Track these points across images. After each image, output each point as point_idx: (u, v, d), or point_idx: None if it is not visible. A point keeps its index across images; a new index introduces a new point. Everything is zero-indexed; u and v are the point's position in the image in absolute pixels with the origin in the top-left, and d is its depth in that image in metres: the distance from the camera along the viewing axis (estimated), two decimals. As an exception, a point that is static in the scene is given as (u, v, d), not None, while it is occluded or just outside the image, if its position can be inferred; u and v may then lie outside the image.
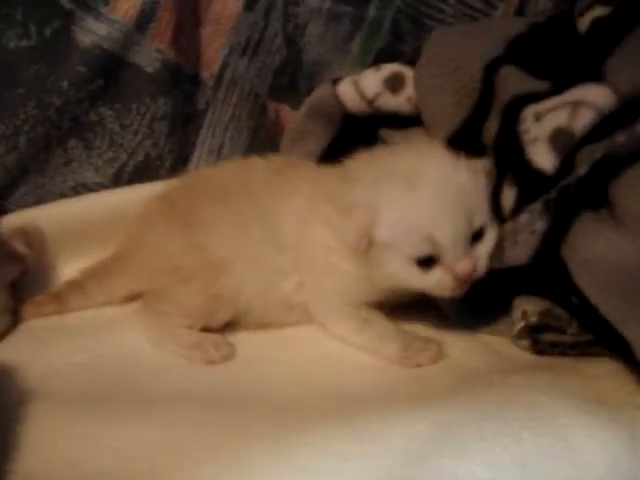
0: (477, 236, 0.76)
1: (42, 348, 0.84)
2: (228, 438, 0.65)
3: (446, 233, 0.73)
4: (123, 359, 0.82)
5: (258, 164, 0.91)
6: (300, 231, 0.84)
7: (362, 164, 0.82)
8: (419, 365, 0.79)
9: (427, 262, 0.75)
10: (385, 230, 0.74)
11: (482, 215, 0.76)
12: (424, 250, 0.74)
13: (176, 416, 0.70)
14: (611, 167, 0.72)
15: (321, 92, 1.04)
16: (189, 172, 1.01)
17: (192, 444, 0.65)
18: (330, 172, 0.88)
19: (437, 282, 0.75)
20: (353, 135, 1.01)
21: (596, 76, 0.79)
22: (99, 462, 0.64)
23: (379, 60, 1.08)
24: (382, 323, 0.82)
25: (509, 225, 0.77)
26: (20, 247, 0.94)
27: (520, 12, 1.11)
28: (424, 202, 0.74)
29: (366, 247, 0.75)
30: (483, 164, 0.79)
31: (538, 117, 0.78)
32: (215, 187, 0.89)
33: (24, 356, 0.82)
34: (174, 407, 0.71)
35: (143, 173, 1.05)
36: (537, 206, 0.74)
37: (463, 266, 0.73)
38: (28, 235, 0.96)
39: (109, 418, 0.70)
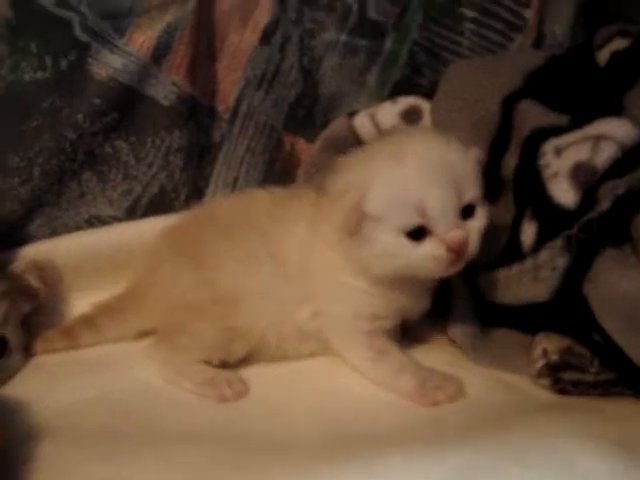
0: (468, 212, 0.75)
1: (53, 384, 0.84)
2: (239, 477, 0.65)
3: (435, 202, 0.73)
4: (135, 395, 0.81)
5: (259, 196, 0.91)
6: (307, 259, 0.83)
7: (347, 156, 0.82)
8: (436, 403, 0.77)
9: (418, 234, 0.74)
10: (375, 203, 0.74)
11: (472, 191, 0.75)
12: (414, 220, 0.73)
13: (188, 454, 0.69)
14: (634, 202, 0.72)
15: (337, 125, 1.04)
16: (193, 207, 1.00)
17: None
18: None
19: (429, 253, 0.74)
20: None
21: (616, 109, 0.79)
22: None
23: (395, 93, 1.08)
24: (398, 356, 0.81)
25: (529, 261, 0.77)
26: (34, 281, 0.93)
27: (538, 44, 1.12)
28: (412, 173, 0.74)
29: (357, 223, 0.75)
30: (473, 150, 0.78)
31: (558, 151, 0.78)
32: (219, 221, 0.89)
33: (35, 392, 0.82)
34: (186, 445, 0.71)
35: (158, 206, 1.04)
36: (558, 242, 0.74)
37: (454, 235, 0.73)
38: (42, 269, 0.95)
39: (119, 456, 0.69)
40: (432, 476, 0.60)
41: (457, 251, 0.73)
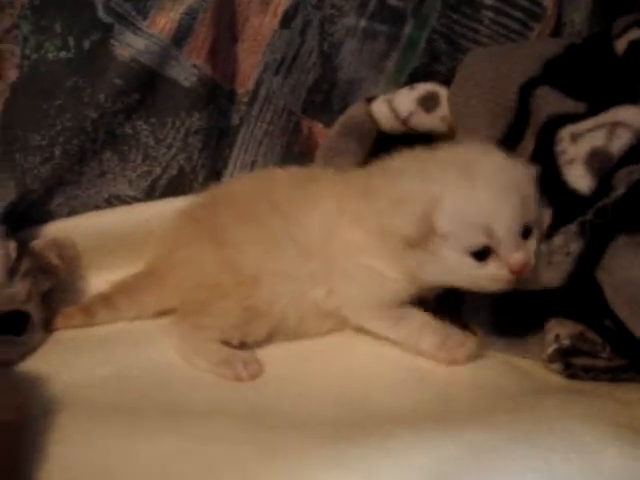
0: (526, 233, 0.76)
1: (71, 359, 0.85)
2: (254, 455, 0.65)
3: (502, 224, 0.73)
4: (151, 372, 0.82)
5: (278, 175, 0.92)
6: (327, 237, 0.84)
7: (406, 159, 0.83)
8: (454, 362, 0.79)
9: (481, 254, 0.75)
10: (445, 219, 0.74)
11: (533, 212, 0.76)
12: (481, 241, 0.74)
13: (203, 431, 0.69)
14: None
15: (355, 110, 1.04)
16: (211, 187, 1.00)
17: (217, 459, 0.65)
18: (359, 173, 0.89)
19: (492, 274, 0.75)
20: (386, 153, 1.02)
21: (633, 98, 0.79)
22: (123, 475, 0.64)
23: (413, 79, 1.07)
24: (418, 317, 0.82)
25: (543, 246, 0.77)
26: (54, 259, 0.94)
27: (556, 33, 1.11)
28: (482, 193, 0.74)
29: (424, 237, 0.75)
30: (534, 169, 0.79)
31: (574, 138, 0.78)
32: (238, 202, 0.89)
33: (53, 367, 0.82)
34: (201, 422, 0.71)
35: (176, 187, 1.05)
36: (572, 227, 0.75)
37: (518, 258, 0.74)
38: (61, 247, 0.97)
39: (135, 431, 0.70)
40: (444, 453, 0.61)
41: (519, 272, 0.74)
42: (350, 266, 0.82)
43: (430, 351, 0.80)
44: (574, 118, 0.80)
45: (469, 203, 0.74)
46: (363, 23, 1.08)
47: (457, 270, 0.76)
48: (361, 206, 0.82)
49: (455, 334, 0.81)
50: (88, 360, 0.84)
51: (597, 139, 0.76)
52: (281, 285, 0.84)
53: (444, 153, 0.80)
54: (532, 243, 0.76)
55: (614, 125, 0.76)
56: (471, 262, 0.75)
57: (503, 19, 1.10)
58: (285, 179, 0.90)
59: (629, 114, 0.77)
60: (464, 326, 0.83)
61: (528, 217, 0.75)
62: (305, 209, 0.85)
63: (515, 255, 0.74)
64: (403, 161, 0.83)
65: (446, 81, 1.00)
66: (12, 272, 0.85)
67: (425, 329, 0.81)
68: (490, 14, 1.09)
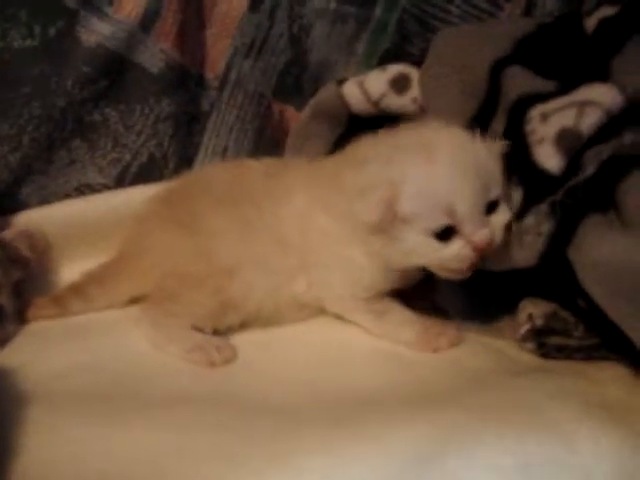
0: (491, 208, 0.76)
1: (44, 350, 0.84)
2: (228, 441, 0.65)
3: (464, 203, 0.73)
4: (124, 361, 0.81)
5: (252, 166, 0.91)
6: (303, 229, 0.84)
7: (370, 145, 0.82)
8: (437, 349, 0.80)
9: (445, 234, 0.75)
10: (407, 202, 0.74)
11: (497, 187, 0.76)
12: (443, 221, 0.74)
13: (176, 418, 0.70)
14: (618, 168, 0.72)
15: (326, 93, 1.04)
16: (185, 173, 1.01)
17: (192, 446, 0.65)
18: (328, 162, 0.88)
19: (456, 253, 0.75)
20: (358, 136, 1.01)
21: (603, 76, 0.79)
22: (98, 464, 0.64)
23: (385, 61, 1.08)
24: (398, 311, 0.84)
25: (514, 228, 0.77)
26: (24, 250, 0.94)
27: (527, 13, 1.11)
28: (443, 173, 0.74)
29: (388, 222, 0.75)
30: (497, 144, 0.79)
31: (544, 117, 0.78)
32: (213, 191, 0.89)
33: (25, 358, 0.82)
34: (175, 409, 0.71)
35: (147, 174, 1.05)
36: (543, 207, 0.75)
37: (481, 236, 0.74)
38: (32, 238, 0.96)
39: (109, 420, 0.70)
40: (422, 436, 0.62)
41: (482, 250, 0.75)
42: (327, 256, 0.83)
43: (412, 343, 0.81)
44: (544, 97, 0.80)
45: (429, 185, 0.74)
46: (333, 5, 1.08)
47: (422, 252, 0.76)
48: (330, 195, 0.82)
49: (434, 325, 0.82)
50: (61, 350, 0.84)
51: (567, 118, 0.76)
52: (257, 277, 0.84)
53: (405, 136, 0.80)
54: (500, 216, 0.76)
55: (583, 104, 0.76)
56: (435, 243, 0.75)
57: (474, -1, 1.10)
58: (260, 170, 0.90)
59: (598, 92, 0.77)
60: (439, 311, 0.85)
61: (492, 193, 0.75)
62: (279, 200, 0.85)
63: (478, 234, 0.74)
64: (367, 146, 0.82)
65: (418, 62, 1.00)
66: None
67: (406, 322, 0.82)
68: (461, -6, 1.10)
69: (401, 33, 1.10)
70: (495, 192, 0.76)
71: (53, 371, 0.79)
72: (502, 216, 0.76)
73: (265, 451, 0.63)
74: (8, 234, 0.94)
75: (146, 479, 0.62)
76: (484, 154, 0.76)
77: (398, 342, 0.82)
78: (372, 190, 0.75)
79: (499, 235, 0.76)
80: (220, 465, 0.62)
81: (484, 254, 0.75)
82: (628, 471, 0.59)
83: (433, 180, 0.74)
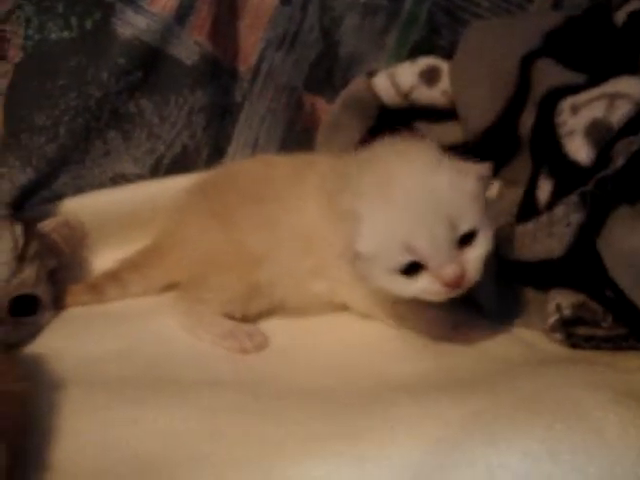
0: (467, 239, 0.73)
1: (80, 335, 0.86)
2: (262, 424, 0.67)
3: (424, 240, 0.70)
4: (159, 346, 0.83)
5: (280, 161, 0.92)
6: (320, 233, 0.83)
7: (356, 162, 0.80)
8: (467, 343, 0.80)
9: (412, 269, 0.72)
10: (365, 244, 0.73)
11: (470, 219, 0.72)
12: (405, 259, 0.71)
13: (210, 402, 0.71)
14: None
15: (356, 85, 1.05)
16: (217, 167, 1.03)
17: (226, 429, 0.66)
18: (342, 165, 0.85)
19: (425, 288, 0.72)
20: (388, 128, 1.02)
21: (633, 69, 0.79)
22: (135, 445, 0.65)
23: (415, 53, 1.08)
24: (422, 311, 0.81)
25: (544, 217, 0.78)
26: (61, 240, 0.96)
27: (556, 5, 1.11)
28: (399, 210, 0.71)
29: (352, 260, 0.74)
30: (477, 169, 0.75)
31: (575, 109, 0.79)
32: (244, 184, 0.90)
33: (62, 343, 0.84)
34: (209, 393, 0.72)
35: (180, 164, 1.07)
36: (573, 198, 0.75)
37: (449, 271, 0.71)
38: (71, 228, 0.98)
39: (145, 403, 0.71)
40: (449, 421, 0.63)
41: (453, 285, 0.71)
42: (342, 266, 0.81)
43: (443, 338, 0.81)
44: (574, 89, 0.81)
45: (386, 223, 0.72)
46: None
47: (392, 287, 0.74)
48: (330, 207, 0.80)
49: (463, 321, 0.82)
50: (97, 336, 0.86)
51: (597, 110, 0.77)
52: (281, 274, 0.85)
53: (369, 167, 0.77)
54: (476, 249, 0.73)
55: (613, 96, 0.77)
56: (402, 279, 0.73)
57: (503, -9, 1.11)
58: (286, 168, 0.90)
59: (628, 85, 0.77)
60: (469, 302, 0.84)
61: (464, 226, 0.72)
62: (303, 199, 0.85)
63: (446, 269, 0.70)
64: (351, 166, 0.80)
65: (447, 55, 1.01)
66: (21, 258, 0.87)
67: (432, 321, 0.82)
68: (490, -14, 1.10)
69: (430, 25, 1.11)
70: (467, 225, 0.72)
71: (90, 356, 0.81)
72: (478, 249, 0.73)
73: (299, 434, 0.64)
74: (48, 225, 0.95)
75: (181, 460, 0.63)
76: (450, 185, 0.72)
77: (428, 336, 0.82)
78: (342, 223, 0.75)
79: (473, 269, 0.72)
80: (253, 448, 0.63)
81: (458, 288, 0.72)
82: (655, 458, 0.59)
83: (388, 217, 0.72)
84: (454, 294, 0.73)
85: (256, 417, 0.68)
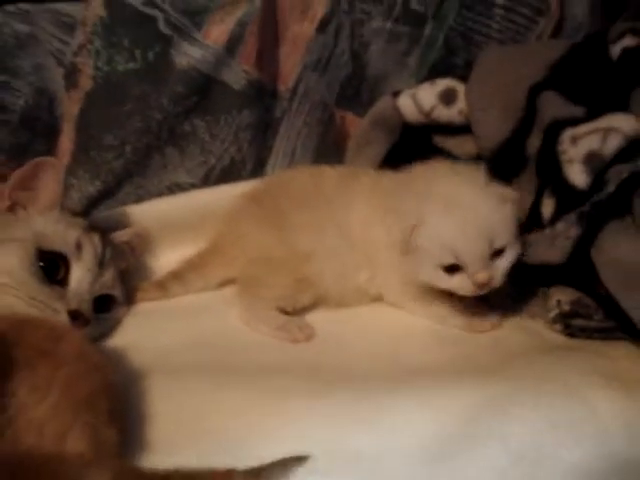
0: (499, 253, 0.85)
1: (152, 329, 0.92)
2: (316, 404, 0.73)
3: (467, 250, 0.84)
4: (223, 337, 0.89)
5: (328, 172, 1.02)
6: (365, 231, 0.94)
7: (414, 177, 0.93)
8: (482, 331, 0.90)
9: (452, 269, 0.85)
10: (423, 239, 0.86)
11: (504, 238, 0.85)
12: (449, 260, 0.85)
13: (271, 385, 0.77)
14: (635, 182, 0.81)
15: (383, 104, 1.13)
16: (270, 175, 1.12)
17: (285, 408, 0.73)
18: (387, 179, 0.99)
19: (459, 285, 0.86)
20: (410, 141, 1.12)
21: (624, 105, 0.88)
22: (209, 419, 0.72)
23: (433, 71, 1.18)
24: (446, 301, 0.92)
25: (548, 231, 0.86)
26: (131, 246, 1.04)
27: (559, 26, 1.20)
28: (455, 224, 0.84)
29: (409, 248, 0.86)
30: (512, 194, 0.88)
31: (574, 140, 0.87)
32: (294, 191, 1.00)
33: (136, 336, 0.91)
34: (269, 378, 0.79)
35: (228, 175, 1.14)
36: (572, 216, 0.83)
37: (480, 276, 0.84)
38: (138, 236, 1.05)
39: (216, 388, 0.77)
40: (465, 399, 0.71)
41: (481, 287, 0.85)
42: (383, 258, 0.93)
43: (461, 327, 0.91)
44: (574, 122, 0.89)
45: (443, 231, 0.85)
46: (389, 25, 1.17)
47: (432, 279, 0.87)
48: (383, 210, 0.92)
49: (478, 313, 0.91)
50: (167, 329, 0.92)
51: (593, 142, 0.85)
52: (328, 266, 0.94)
53: (437, 184, 0.89)
54: (504, 261, 0.85)
55: (607, 130, 0.85)
56: (443, 274, 0.86)
57: (512, 15, 1.19)
58: (334, 176, 1.00)
59: (620, 120, 0.86)
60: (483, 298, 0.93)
61: (497, 243, 0.85)
62: (348, 205, 0.95)
63: (478, 274, 0.84)
64: (411, 180, 0.93)
65: (463, 76, 1.09)
66: (100, 263, 0.93)
67: (452, 311, 0.92)
68: (501, 12, 1.19)
69: (447, 47, 1.19)
70: (500, 242, 0.85)
71: (163, 347, 0.87)
72: (505, 262, 0.85)
73: (348, 411, 0.71)
74: (123, 235, 1.03)
75: (250, 435, 0.69)
76: (495, 210, 0.85)
77: (446, 325, 0.92)
78: (403, 218, 0.87)
79: (499, 276, 0.85)
80: (310, 424, 0.70)
81: (485, 288, 0.85)
82: (638, 428, 0.67)
83: (445, 227, 0.85)
84: (480, 293, 0.86)
85: (312, 398, 0.74)
